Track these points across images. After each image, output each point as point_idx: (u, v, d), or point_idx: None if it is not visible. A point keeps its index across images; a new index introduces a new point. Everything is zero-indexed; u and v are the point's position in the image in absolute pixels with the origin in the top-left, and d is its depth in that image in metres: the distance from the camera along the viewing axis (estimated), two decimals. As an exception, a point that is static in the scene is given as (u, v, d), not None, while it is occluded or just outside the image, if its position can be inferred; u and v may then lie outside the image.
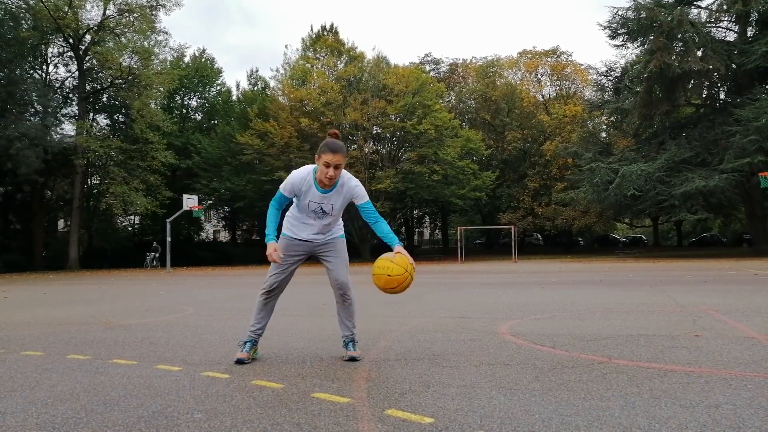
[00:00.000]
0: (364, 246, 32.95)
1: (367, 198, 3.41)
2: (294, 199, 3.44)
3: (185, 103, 39.79)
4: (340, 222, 3.59)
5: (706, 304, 6.19)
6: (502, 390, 2.63)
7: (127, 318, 6.13)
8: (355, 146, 31.80)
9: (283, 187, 3.35)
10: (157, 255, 27.89)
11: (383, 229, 3.35)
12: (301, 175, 3.34)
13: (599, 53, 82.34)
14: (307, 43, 34.78)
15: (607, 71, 33.85)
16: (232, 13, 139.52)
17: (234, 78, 77.67)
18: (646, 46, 27.47)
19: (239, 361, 3.36)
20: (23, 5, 27.92)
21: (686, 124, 29.23)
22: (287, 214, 3.57)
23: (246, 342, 3.47)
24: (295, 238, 3.49)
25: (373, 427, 2.13)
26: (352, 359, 3.41)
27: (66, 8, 27.88)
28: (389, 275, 3.23)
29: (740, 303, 6.18)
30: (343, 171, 3.36)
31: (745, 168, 23.23)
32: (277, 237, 3.41)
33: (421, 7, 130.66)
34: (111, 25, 29.84)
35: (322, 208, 3.37)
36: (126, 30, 30.27)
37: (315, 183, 3.32)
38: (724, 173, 23.70)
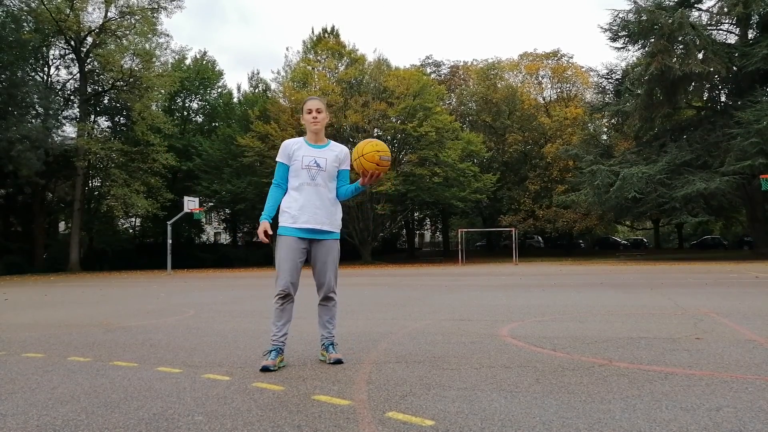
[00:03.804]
0: (365, 248, 32.96)
1: (350, 168, 3.59)
2: (290, 178, 3.45)
3: (186, 105, 39.87)
4: (339, 212, 3.52)
5: (707, 306, 6.19)
6: (502, 392, 2.63)
7: (128, 320, 6.13)
8: (356, 148, 31.77)
9: (278, 156, 3.49)
10: None
11: (348, 186, 3.56)
12: (292, 140, 3.56)
13: (600, 56, 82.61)
14: (308, 46, 34.87)
15: (607, 73, 33.94)
16: (228, 13, 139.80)
17: (231, 79, 77.65)
18: (646, 49, 27.50)
19: (265, 369, 3.23)
20: (25, 7, 27.99)
21: (687, 127, 29.22)
22: (282, 205, 3.45)
23: (271, 351, 3.35)
24: (295, 236, 3.35)
25: (373, 429, 2.13)
26: (338, 362, 3.38)
27: (68, 10, 27.94)
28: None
29: (741, 305, 6.18)
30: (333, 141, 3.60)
31: (746, 170, 23.23)
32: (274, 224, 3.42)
33: (422, 10, 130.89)
34: (112, 27, 29.91)
35: (316, 162, 3.42)
36: (127, 32, 30.34)
37: (306, 142, 3.51)
38: (725, 176, 23.68)
